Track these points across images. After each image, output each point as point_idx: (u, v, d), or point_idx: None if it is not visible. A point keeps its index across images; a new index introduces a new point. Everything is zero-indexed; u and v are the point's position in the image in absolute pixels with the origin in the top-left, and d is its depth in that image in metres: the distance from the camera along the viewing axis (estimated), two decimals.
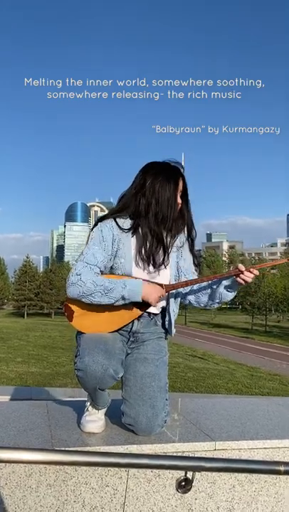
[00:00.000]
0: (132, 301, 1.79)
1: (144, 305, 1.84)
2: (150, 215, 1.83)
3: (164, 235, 1.87)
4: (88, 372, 1.71)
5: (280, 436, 1.97)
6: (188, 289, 2.02)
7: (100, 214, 2.08)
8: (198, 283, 1.96)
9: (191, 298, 2.04)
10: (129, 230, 1.87)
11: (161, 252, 1.86)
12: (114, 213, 1.90)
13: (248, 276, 1.86)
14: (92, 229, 1.90)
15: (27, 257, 62.70)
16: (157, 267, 1.86)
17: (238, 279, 1.88)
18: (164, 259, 1.86)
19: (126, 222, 1.88)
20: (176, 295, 2.01)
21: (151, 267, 1.86)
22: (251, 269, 1.88)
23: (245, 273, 1.86)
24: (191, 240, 2.01)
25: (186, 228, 1.97)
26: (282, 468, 1.39)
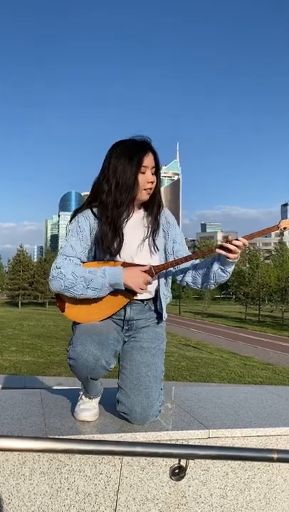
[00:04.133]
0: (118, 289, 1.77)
1: (132, 291, 1.81)
2: (109, 200, 1.79)
3: (123, 218, 1.82)
4: (80, 361, 1.71)
5: (273, 424, 1.98)
6: (184, 270, 1.98)
7: (90, 196, 2.06)
8: (188, 261, 1.89)
9: (188, 279, 1.99)
10: (99, 218, 1.83)
11: (117, 241, 1.80)
12: (88, 203, 1.88)
13: (236, 245, 1.76)
14: (70, 221, 1.88)
15: (21, 247, 62.48)
16: (114, 254, 1.81)
17: (224, 251, 1.78)
18: (119, 246, 1.81)
19: (98, 211, 1.84)
20: (167, 277, 1.99)
21: (108, 254, 1.81)
22: (239, 238, 1.79)
23: (234, 242, 1.76)
24: (157, 222, 1.91)
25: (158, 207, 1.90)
26: (275, 455, 1.40)
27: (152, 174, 1.83)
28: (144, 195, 1.84)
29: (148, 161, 1.80)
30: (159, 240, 1.91)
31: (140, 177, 1.79)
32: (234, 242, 1.77)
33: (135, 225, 1.89)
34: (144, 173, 1.80)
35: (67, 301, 1.82)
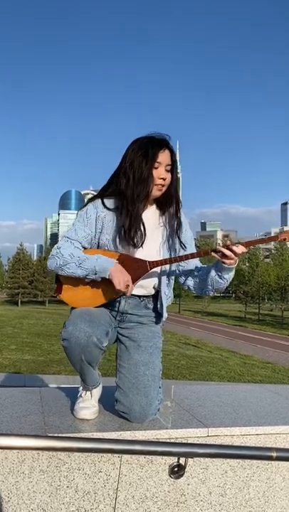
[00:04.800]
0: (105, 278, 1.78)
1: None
2: (128, 193, 1.82)
3: (141, 212, 1.84)
4: (72, 340, 1.73)
5: (272, 423, 1.98)
6: (183, 270, 2.00)
7: (104, 187, 2.13)
8: (183, 260, 1.88)
9: (190, 283, 2.01)
10: (113, 209, 1.87)
11: (140, 231, 1.84)
12: (101, 193, 1.92)
13: (232, 251, 1.76)
14: (81, 208, 1.94)
15: (20, 245, 62.43)
16: (138, 246, 1.84)
17: (219, 256, 1.79)
18: (142, 239, 1.84)
19: (112, 201, 1.89)
20: (170, 277, 2.00)
21: (132, 246, 1.85)
22: (238, 245, 1.77)
23: (230, 247, 1.76)
24: (177, 220, 1.92)
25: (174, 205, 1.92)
26: (274, 454, 1.40)
27: (166, 171, 1.84)
28: (155, 190, 1.85)
29: (163, 157, 1.82)
30: (164, 240, 1.92)
31: (153, 172, 1.81)
32: (231, 247, 1.77)
33: (151, 222, 1.90)
34: (157, 168, 1.82)
35: (65, 284, 1.87)
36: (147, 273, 1.85)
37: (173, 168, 1.86)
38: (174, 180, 1.88)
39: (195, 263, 2.01)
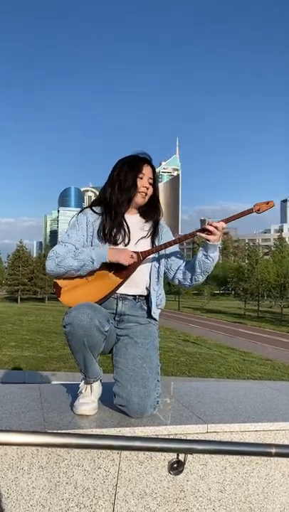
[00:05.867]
0: (108, 266, 1.94)
1: (121, 271, 1.95)
2: (113, 199, 2.04)
3: (123, 214, 2.05)
4: (75, 322, 1.77)
5: (272, 419, 1.98)
6: (171, 266, 2.14)
7: (94, 198, 2.33)
8: (172, 245, 2.06)
9: (179, 276, 2.14)
10: (101, 214, 2.06)
11: (122, 232, 2.02)
12: (92, 204, 2.14)
13: (214, 226, 1.94)
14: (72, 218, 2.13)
15: (20, 242, 62.39)
16: (120, 245, 2.00)
17: (203, 234, 1.97)
18: (124, 239, 2.02)
19: (100, 208, 2.09)
20: (158, 274, 2.10)
21: (122, 245, 2.01)
22: (218, 221, 1.96)
23: (212, 223, 1.95)
24: (156, 228, 2.12)
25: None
26: (273, 450, 1.40)
27: (149, 183, 2.08)
28: (139, 198, 2.07)
29: (146, 170, 2.07)
30: (148, 241, 2.09)
31: (138, 181, 2.04)
32: (213, 223, 1.96)
33: (135, 228, 2.07)
34: (141, 178, 2.06)
35: (64, 287, 1.96)
36: (139, 266, 1.98)
37: (154, 183, 2.11)
38: (156, 192, 2.13)
39: (181, 258, 2.17)
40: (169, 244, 2.04)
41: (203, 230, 1.97)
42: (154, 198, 2.13)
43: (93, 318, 1.78)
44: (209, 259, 2.02)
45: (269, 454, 1.42)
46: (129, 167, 2.05)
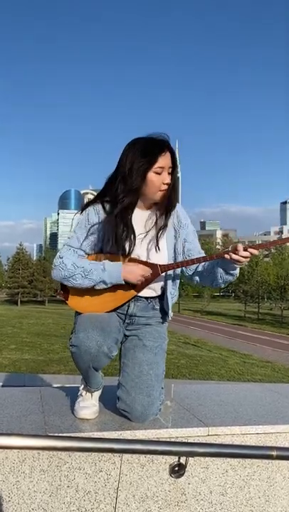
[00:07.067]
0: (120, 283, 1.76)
1: (135, 286, 1.81)
2: (125, 200, 1.76)
3: (131, 216, 1.80)
4: (82, 348, 1.71)
5: (273, 422, 1.98)
6: (194, 268, 1.96)
7: (102, 189, 2.01)
8: (195, 263, 1.85)
9: (197, 278, 1.98)
10: (112, 214, 1.79)
11: (132, 239, 1.79)
12: (100, 197, 1.85)
13: (243, 256, 1.73)
14: (81, 212, 1.86)
15: (20, 245, 62.41)
16: (126, 253, 1.79)
17: (230, 257, 1.74)
18: (130, 247, 1.79)
19: (110, 207, 1.81)
20: (175, 276, 1.95)
21: (134, 253, 1.81)
22: (249, 249, 1.73)
23: (242, 253, 1.72)
24: (164, 224, 1.85)
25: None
26: (274, 453, 1.40)
27: (169, 174, 1.78)
28: (158, 196, 1.80)
29: (165, 161, 1.75)
30: (164, 240, 1.88)
31: (156, 178, 1.75)
32: (242, 253, 1.72)
33: (146, 224, 1.86)
34: (160, 173, 1.75)
35: (71, 290, 1.82)
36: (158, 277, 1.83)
37: (174, 171, 1.79)
38: (174, 181, 1.80)
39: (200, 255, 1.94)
40: (192, 262, 1.82)
41: (232, 254, 1.73)
42: (173, 187, 1.80)
43: (102, 346, 1.70)
44: (231, 276, 1.86)
45: (270, 457, 1.42)
46: (144, 157, 1.72)
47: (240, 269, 1.90)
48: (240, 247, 1.73)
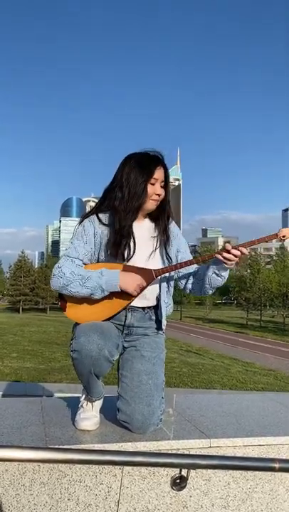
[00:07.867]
0: (115, 291, 1.81)
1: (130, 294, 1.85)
2: (121, 209, 1.86)
3: (131, 225, 1.88)
4: (83, 352, 1.73)
5: (275, 434, 1.96)
6: (182, 275, 2.05)
7: (99, 201, 2.14)
8: (188, 265, 1.96)
9: (189, 286, 2.07)
10: (108, 224, 1.89)
11: (131, 246, 1.88)
12: (96, 209, 1.95)
13: (234, 254, 1.82)
14: (79, 224, 1.95)
15: (22, 252, 62.48)
16: (130, 261, 1.87)
17: (221, 257, 1.84)
18: (134, 255, 1.88)
19: (106, 217, 1.91)
20: (169, 284, 2.03)
21: (131, 261, 1.88)
22: (239, 248, 1.83)
23: (232, 251, 1.82)
24: (167, 233, 1.97)
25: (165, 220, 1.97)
26: (277, 465, 1.39)
27: (161, 187, 1.90)
28: (150, 205, 1.91)
29: (158, 174, 1.88)
30: (159, 249, 1.96)
31: (149, 187, 1.87)
32: (232, 251, 1.83)
33: (144, 235, 1.95)
34: (153, 184, 1.88)
35: (69, 300, 1.87)
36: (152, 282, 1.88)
37: (166, 185, 1.92)
38: (167, 195, 1.95)
39: (192, 266, 2.05)
40: (185, 264, 1.93)
41: (223, 252, 1.84)
42: (165, 200, 1.95)
43: (103, 349, 1.73)
44: (221, 277, 1.95)
45: (273, 469, 1.40)
46: (140, 169, 1.85)
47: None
48: (229, 246, 1.85)
